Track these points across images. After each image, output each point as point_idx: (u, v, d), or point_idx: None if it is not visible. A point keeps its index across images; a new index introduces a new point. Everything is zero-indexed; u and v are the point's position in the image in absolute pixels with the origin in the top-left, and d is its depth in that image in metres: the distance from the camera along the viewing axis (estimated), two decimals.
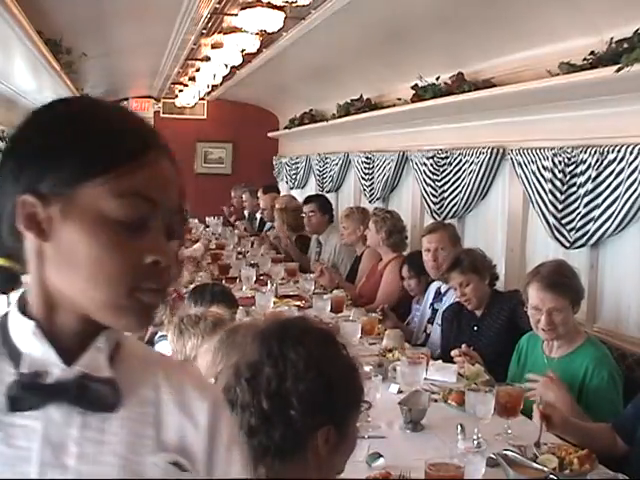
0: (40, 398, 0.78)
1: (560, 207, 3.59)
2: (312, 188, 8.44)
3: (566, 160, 3.56)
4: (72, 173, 0.76)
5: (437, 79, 4.61)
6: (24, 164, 0.78)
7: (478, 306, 3.38)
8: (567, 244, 3.55)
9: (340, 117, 6.55)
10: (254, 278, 4.80)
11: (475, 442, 2.20)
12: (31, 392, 0.77)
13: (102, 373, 0.80)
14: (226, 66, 5.93)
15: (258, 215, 8.21)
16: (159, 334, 3.47)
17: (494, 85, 4.02)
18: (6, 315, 0.83)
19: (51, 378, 0.78)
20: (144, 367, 0.87)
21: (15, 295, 0.86)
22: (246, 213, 8.69)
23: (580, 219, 3.45)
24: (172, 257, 0.80)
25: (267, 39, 5.15)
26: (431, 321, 3.90)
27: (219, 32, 5.27)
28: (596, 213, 3.33)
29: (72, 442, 0.78)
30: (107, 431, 0.80)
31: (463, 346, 2.99)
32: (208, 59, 6.12)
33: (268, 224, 7.59)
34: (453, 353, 3.00)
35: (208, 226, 8.41)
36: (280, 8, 3.94)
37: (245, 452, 1.05)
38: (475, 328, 3.38)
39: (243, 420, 1.29)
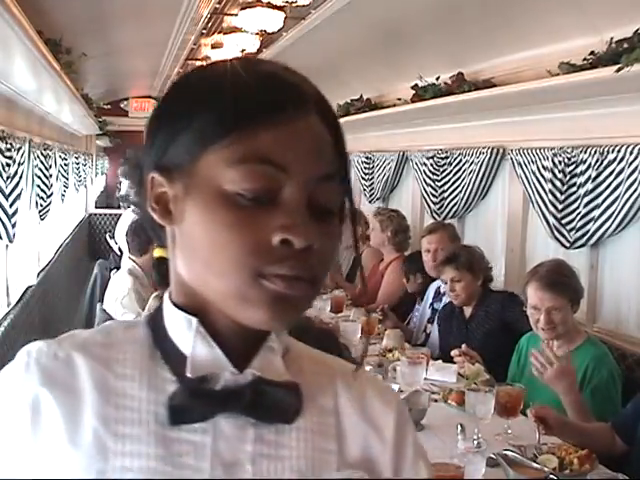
0: (210, 407, 0.65)
1: (560, 207, 3.59)
2: None
3: (566, 160, 3.56)
4: (190, 141, 0.65)
5: (437, 79, 4.60)
6: (151, 137, 0.69)
7: (466, 303, 3.40)
8: (567, 244, 3.55)
9: (340, 117, 6.53)
10: None
11: (475, 442, 2.20)
12: (200, 401, 0.65)
13: (280, 377, 0.68)
14: None
15: None
16: None
17: (494, 85, 4.02)
18: (159, 309, 0.71)
19: (221, 383, 0.66)
20: (318, 371, 0.75)
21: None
22: None
23: (580, 219, 3.45)
24: (316, 237, 0.62)
25: (267, 39, 5.16)
26: (431, 321, 3.90)
27: (219, 32, 5.28)
28: (596, 213, 3.33)
29: (247, 460, 0.66)
30: (284, 445, 0.68)
31: (463, 346, 2.99)
32: (208, 59, 6.13)
33: None
34: (453, 353, 3.00)
35: None
36: (280, 8, 3.94)
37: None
38: (466, 328, 3.40)
39: None
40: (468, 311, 3.42)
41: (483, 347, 3.12)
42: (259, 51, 5.47)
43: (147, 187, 0.68)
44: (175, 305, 0.69)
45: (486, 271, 3.47)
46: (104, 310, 3.99)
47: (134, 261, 4.10)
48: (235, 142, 0.63)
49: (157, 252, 0.76)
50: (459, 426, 2.23)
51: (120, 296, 3.89)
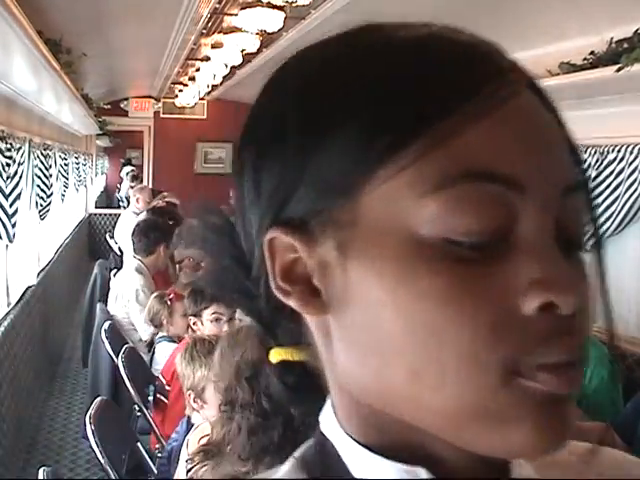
0: None
1: None
2: None
3: None
4: (341, 167, 0.38)
5: None
6: (252, 177, 0.43)
7: None
8: None
9: None
10: None
11: None
12: None
13: None
14: (226, 66, 5.93)
15: None
16: (159, 335, 3.48)
17: None
18: (318, 448, 0.45)
19: None
20: None
21: None
22: None
23: None
24: (581, 289, 0.38)
25: (267, 39, 5.15)
26: None
27: (219, 32, 5.27)
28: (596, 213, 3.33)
29: None
30: None
31: None
32: (208, 59, 6.13)
33: None
34: None
35: None
36: (280, 8, 3.94)
37: (246, 454, 1.03)
38: None
39: (243, 419, 1.28)
40: None
41: None
42: (259, 51, 5.46)
43: (264, 257, 0.41)
44: (356, 441, 0.42)
45: None
46: (104, 310, 3.99)
47: (140, 260, 4.10)
48: (428, 153, 0.37)
49: (276, 355, 0.47)
50: None
51: (133, 296, 3.89)
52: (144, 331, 3.79)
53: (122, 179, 11.22)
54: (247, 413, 1.28)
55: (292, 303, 0.41)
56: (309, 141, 0.39)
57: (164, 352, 3.25)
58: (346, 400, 0.43)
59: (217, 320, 2.91)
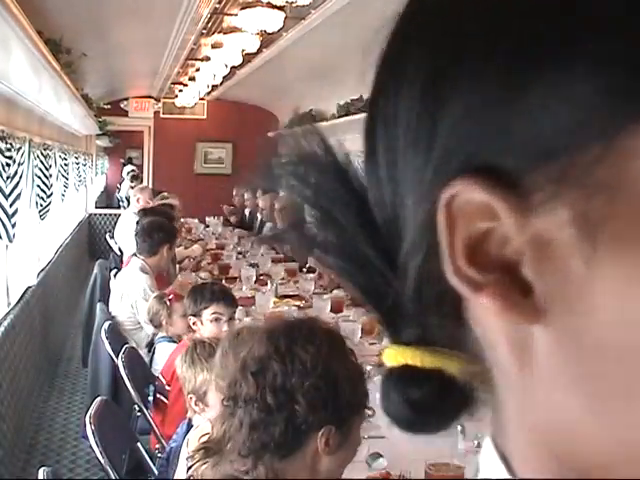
0: None
1: None
2: None
3: None
4: (589, 90, 0.24)
5: None
6: (442, 87, 0.27)
7: None
8: None
9: (340, 117, 6.55)
10: (254, 278, 4.81)
11: (475, 442, 2.20)
12: None
13: None
14: (226, 66, 5.93)
15: (259, 215, 8.21)
16: (159, 335, 3.48)
17: None
18: None
19: None
20: None
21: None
22: (247, 212, 8.66)
23: None
24: None
25: (267, 39, 5.15)
26: None
27: (219, 32, 5.27)
28: None
29: None
30: None
31: None
32: (208, 59, 6.13)
33: (268, 224, 7.61)
34: None
35: (208, 226, 8.41)
36: (280, 8, 3.94)
37: (246, 450, 1.02)
38: None
39: (246, 414, 1.29)
40: None
41: None
42: (259, 51, 5.47)
43: (429, 223, 0.27)
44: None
45: None
46: (104, 310, 3.99)
47: (144, 260, 4.10)
48: None
49: (395, 356, 0.32)
50: (459, 426, 2.23)
51: (140, 295, 3.88)
52: (151, 330, 3.80)
53: (123, 179, 11.24)
54: (250, 408, 1.29)
55: (482, 300, 0.26)
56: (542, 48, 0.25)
57: (164, 352, 3.25)
58: (535, 450, 0.29)
59: (217, 320, 2.91)
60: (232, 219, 8.67)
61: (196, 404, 2.20)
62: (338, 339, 1.38)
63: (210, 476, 1.40)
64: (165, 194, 6.78)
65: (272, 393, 1.27)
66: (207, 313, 2.91)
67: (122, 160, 12.10)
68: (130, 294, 3.94)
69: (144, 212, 5.31)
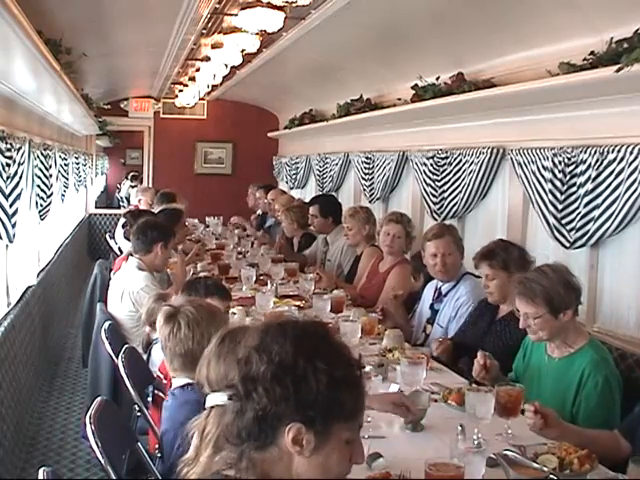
0: None
1: (560, 207, 3.59)
2: (312, 188, 8.44)
3: (566, 160, 3.56)
4: None
5: (437, 79, 4.60)
6: None
7: (500, 301, 3.32)
8: (567, 244, 3.55)
9: (340, 117, 6.55)
10: (254, 278, 4.81)
11: (475, 442, 2.20)
12: None
13: None
14: (226, 66, 5.92)
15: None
16: (156, 335, 3.48)
17: (494, 85, 4.02)
18: None
19: None
20: None
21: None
22: (259, 212, 8.48)
23: (580, 219, 3.45)
24: None
25: (267, 39, 5.15)
26: (431, 321, 3.89)
27: (219, 32, 5.27)
28: (596, 213, 3.33)
29: None
30: None
31: (480, 354, 2.84)
32: (208, 59, 6.12)
33: (269, 221, 7.61)
34: (480, 355, 2.83)
35: (208, 226, 8.41)
36: (280, 8, 3.93)
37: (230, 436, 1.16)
38: (491, 325, 3.35)
39: (231, 401, 1.35)
40: (503, 310, 3.32)
41: (496, 348, 3.09)
42: (259, 51, 5.46)
43: None
44: None
45: (526, 269, 3.21)
46: (104, 310, 3.99)
47: (139, 259, 4.11)
48: None
49: None
50: (459, 426, 2.23)
51: (143, 291, 3.89)
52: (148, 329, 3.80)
53: (124, 179, 11.27)
54: (232, 394, 1.34)
55: None
56: None
57: (160, 352, 3.25)
58: None
59: None
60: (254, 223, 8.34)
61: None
62: (321, 341, 1.36)
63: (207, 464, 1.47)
64: (167, 191, 6.72)
65: (243, 381, 1.31)
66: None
67: (122, 160, 12.11)
68: (132, 291, 3.94)
69: (131, 213, 5.36)
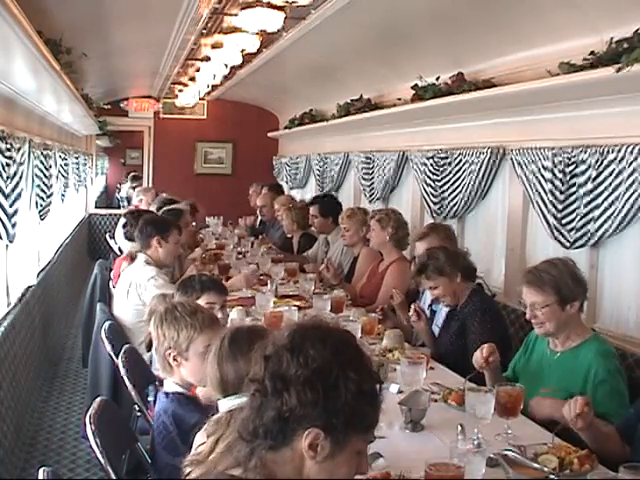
0: None
1: (560, 207, 3.59)
2: (312, 188, 8.44)
3: (566, 160, 3.56)
4: None
5: (437, 79, 4.60)
6: None
7: (454, 302, 3.41)
8: (567, 244, 3.55)
9: (340, 117, 6.55)
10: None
11: (475, 442, 2.20)
12: None
13: None
14: (226, 66, 5.93)
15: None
16: None
17: (494, 85, 4.02)
18: None
19: None
20: None
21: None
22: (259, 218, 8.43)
23: (580, 219, 3.45)
24: None
25: (267, 39, 5.16)
26: (430, 322, 3.89)
27: (219, 32, 5.27)
28: (596, 213, 3.33)
29: None
30: None
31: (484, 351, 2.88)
32: (208, 59, 6.12)
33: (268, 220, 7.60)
34: (486, 347, 2.79)
35: (208, 226, 8.40)
36: (280, 8, 3.94)
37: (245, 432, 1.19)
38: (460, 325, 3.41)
39: (251, 395, 1.34)
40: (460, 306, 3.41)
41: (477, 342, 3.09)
42: (259, 51, 5.46)
43: None
44: None
45: (460, 266, 3.40)
46: (104, 310, 3.99)
47: (145, 254, 4.14)
48: None
49: None
50: (459, 426, 2.23)
51: (151, 283, 3.91)
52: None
53: (124, 179, 11.25)
54: (254, 389, 1.34)
55: None
56: None
57: None
58: None
59: (211, 308, 2.92)
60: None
61: (175, 359, 2.35)
62: (355, 352, 1.38)
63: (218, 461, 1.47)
64: (165, 195, 6.71)
65: (271, 378, 1.31)
66: (200, 303, 2.92)
67: (122, 160, 12.11)
68: (139, 283, 3.94)
69: (130, 213, 5.37)
